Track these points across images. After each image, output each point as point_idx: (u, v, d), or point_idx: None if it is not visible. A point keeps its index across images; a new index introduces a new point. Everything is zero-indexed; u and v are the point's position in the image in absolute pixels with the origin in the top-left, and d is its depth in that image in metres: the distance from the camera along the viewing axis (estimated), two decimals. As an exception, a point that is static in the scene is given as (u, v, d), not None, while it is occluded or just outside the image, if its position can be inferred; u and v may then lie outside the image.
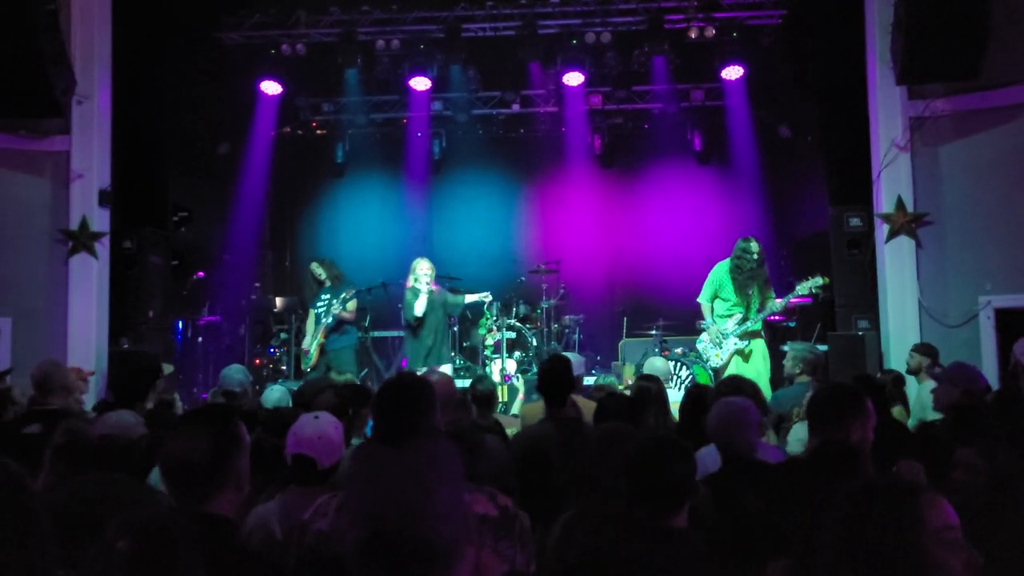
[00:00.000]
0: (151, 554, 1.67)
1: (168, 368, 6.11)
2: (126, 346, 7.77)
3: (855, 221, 7.71)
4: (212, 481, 2.02)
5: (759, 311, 6.99)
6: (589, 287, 11.08)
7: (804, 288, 6.87)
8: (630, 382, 7.60)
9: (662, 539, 2.26)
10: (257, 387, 7.32)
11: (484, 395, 4.84)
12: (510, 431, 4.55)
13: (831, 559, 1.60)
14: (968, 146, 7.13)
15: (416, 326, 7.69)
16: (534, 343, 9.54)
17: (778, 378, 6.88)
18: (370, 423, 3.94)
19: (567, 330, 10.08)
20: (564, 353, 6.41)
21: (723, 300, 7.21)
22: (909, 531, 1.53)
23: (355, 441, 3.81)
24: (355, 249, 10.99)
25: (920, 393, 5.55)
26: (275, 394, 4.88)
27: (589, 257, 11.35)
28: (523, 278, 10.37)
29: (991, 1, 6.43)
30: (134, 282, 8.10)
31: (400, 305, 8.20)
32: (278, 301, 11.15)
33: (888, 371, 6.00)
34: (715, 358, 7.15)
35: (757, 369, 6.89)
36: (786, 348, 6.03)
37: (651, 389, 4.38)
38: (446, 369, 7.49)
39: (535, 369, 9.18)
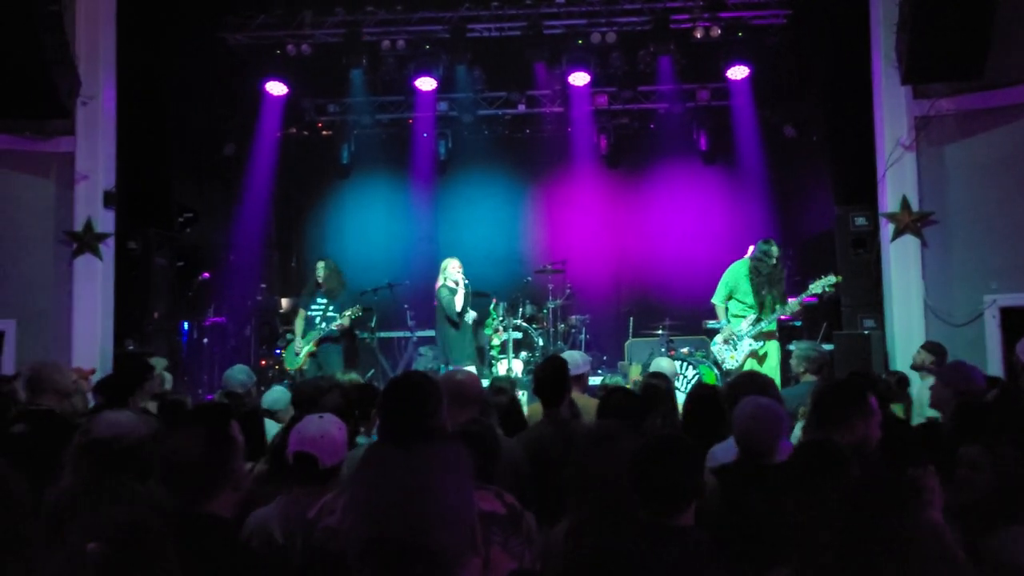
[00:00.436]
0: (122, 556, 1.65)
1: (162, 362, 6.11)
2: (131, 347, 7.77)
3: (860, 220, 7.69)
4: (208, 481, 2.01)
5: (773, 311, 6.95)
6: (595, 287, 11.07)
7: (817, 287, 6.86)
8: (636, 381, 7.61)
9: (668, 538, 2.25)
10: (262, 388, 7.33)
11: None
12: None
13: (829, 560, 1.59)
14: (973, 145, 7.11)
15: (459, 321, 7.77)
16: (540, 343, 9.53)
17: (787, 378, 6.87)
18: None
19: (573, 330, 10.07)
20: (568, 352, 6.43)
21: (738, 301, 7.19)
22: (903, 523, 1.53)
23: (360, 440, 3.81)
24: (361, 250, 11.01)
25: (921, 389, 5.53)
26: (273, 394, 4.88)
27: (595, 257, 11.33)
28: (529, 278, 10.36)
29: (995, 1, 6.40)
30: (139, 283, 8.11)
31: (429, 305, 8.32)
32: (284, 302, 11.16)
33: (893, 372, 5.98)
34: (730, 359, 7.12)
35: (771, 370, 6.86)
36: (792, 348, 6.03)
37: (660, 387, 4.37)
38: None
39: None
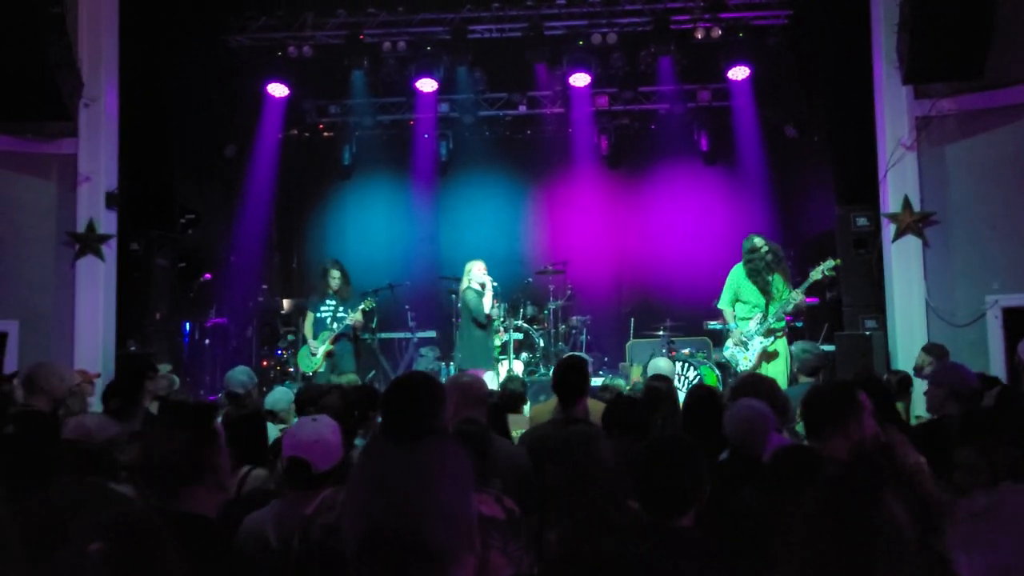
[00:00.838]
0: (124, 556, 1.65)
1: (166, 367, 6.12)
2: (133, 348, 7.79)
3: (862, 221, 7.68)
4: (187, 479, 2.01)
5: (784, 296, 6.90)
6: (596, 288, 11.07)
7: (817, 273, 6.81)
8: (637, 382, 7.61)
9: (669, 539, 2.26)
10: (264, 389, 7.34)
11: (516, 393, 5.02)
12: (517, 432, 4.54)
13: (801, 557, 1.60)
14: (974, 145, 7.10)
15: (486, 324, 7.78)
16: (541, 344, 9.53)
17: (794, 376, 6.86)
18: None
19: (574, 331, 10.07)
20: (567, 352, 6.44)
21: (743, 303, 7.17)
22: (871, 528, 1.54)
23: (359, 443, 3.80)
24: (362, 251, 11.01)
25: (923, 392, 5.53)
26: (275, 395, 4.88)
27: (596, 258, 11.34)
28: (530, 279, 10.37)
29: (996, 1, 6.40)
30: (141, 284, 8.12)
31: (459, 306, 8.33)
32: (285, 303, 11.18)
33: (895, 372, 5.97)
34: (744, 361, 7.09)
35: (779, 369, 6.85)
36: (792, 348, 6.03)
37: (662, 389, 4.38)
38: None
39: (542, 371, 9.19)
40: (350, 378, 6.47)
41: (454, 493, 1.38)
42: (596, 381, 7.22)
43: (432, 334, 10.46)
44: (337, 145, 12.09)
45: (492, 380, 7.62)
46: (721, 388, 6.89)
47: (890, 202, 7.34)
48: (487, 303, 7.78)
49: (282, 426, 4.45)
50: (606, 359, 10.18)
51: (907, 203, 7.25)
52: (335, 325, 8.15)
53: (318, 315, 8.29)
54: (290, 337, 10.25)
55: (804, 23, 9.35)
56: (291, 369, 9.97)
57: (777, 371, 6.73)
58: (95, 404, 5.20)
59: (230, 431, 3.55)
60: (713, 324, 8.93)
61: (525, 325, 9.59)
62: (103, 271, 7.69)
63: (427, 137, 11.96)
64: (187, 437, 2.04)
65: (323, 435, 2.74)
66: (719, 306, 7.41)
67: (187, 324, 9.37)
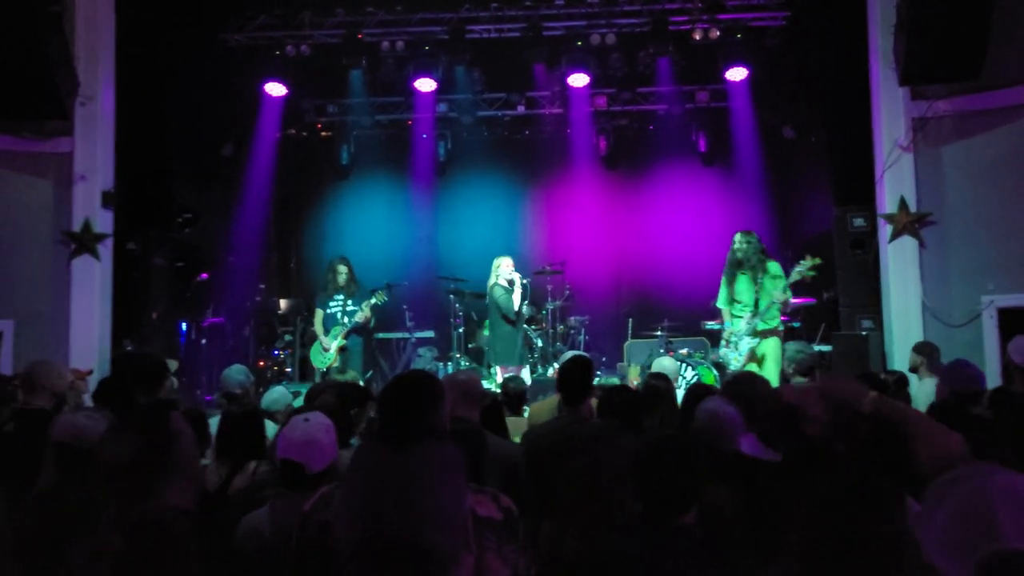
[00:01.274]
0: (143, 551, 1.66)
1: (173, 364, 6.11)
2: (129, 348, 7.78)
3: (859, 221, 7.69)
4: (149, 477, 2.02)
5: (771, 304, 6.88)
6: (594, 288, 11.07)
7: (796, 274, 6.78)
8: (635, 383, 7.61)
9: (670, 537, 2.26)
10: (261, 389, 7.33)
11: (518, 392, 5.03)
12: (517, 437, 4.54)
13: (811, 559, 1.60)
14: (970, 146, 7.11)
15: (515, 320, 7.78)
16: (539, 344, 9.53)
17: (786, 378, 6.85)
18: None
19: (572, 331, 10.07)
20: (566, 352, 6.46)
21: (736, 301, 7.20)
22: (882, 533, 1.54)
23: (354, 442, 3.80)
24: (360, 250, 10.96)
25: (919, 391, 5.54)
26: (273, 395, 4.87)
27: (594, 258, 11.34)
28: (528, 279, 10.35)
29: (992, 2, 6.41)
30: (138, 284, 8.12)
31: (477, 304, 8.36)
32: (283, 303, 11.17)
33: (892, 372, 5.99)
34: (734, 362, 7.11)
35: (769, 369, 6.84)
36: (786, 348, 6.03)
37: (660, 387, 4.38)
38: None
39: (540, 371, 9.18)
40: (351, 375, 6.48)
41: (450, 495, 1.39)
42: (595, 382, 7.23)
43: (430, 334, 10.45)
44: (335, 145, 12.09)
45: (526, 375, 7.64)
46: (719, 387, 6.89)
47: (887, 203, 7.35)
48: (516, 299, 7.77)
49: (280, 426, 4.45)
50: (604, 359, 10.18)
51: (903, 204, 7.26)
52: (346, 320, 8.17)
53: (328, 311, 8.30)
54: (287, 337, 10.23)
55: (802, 24, 9.37)
56: (288, 369, 9.97)
57: (767, 372, 6.72)
58: (87, 401, 5.20)
59: (230, 428, 3.58)
60: (711, 324, 8.94)
61: (523, 325, 9.58)
62: (99, 270, 7.68)
63: (425, 137, 11.96)
64: (140, 439, 2.05)
65: (314, 436, 2.75)
66: (717, 305, 7.43)
67: (184, 324, 9.35)
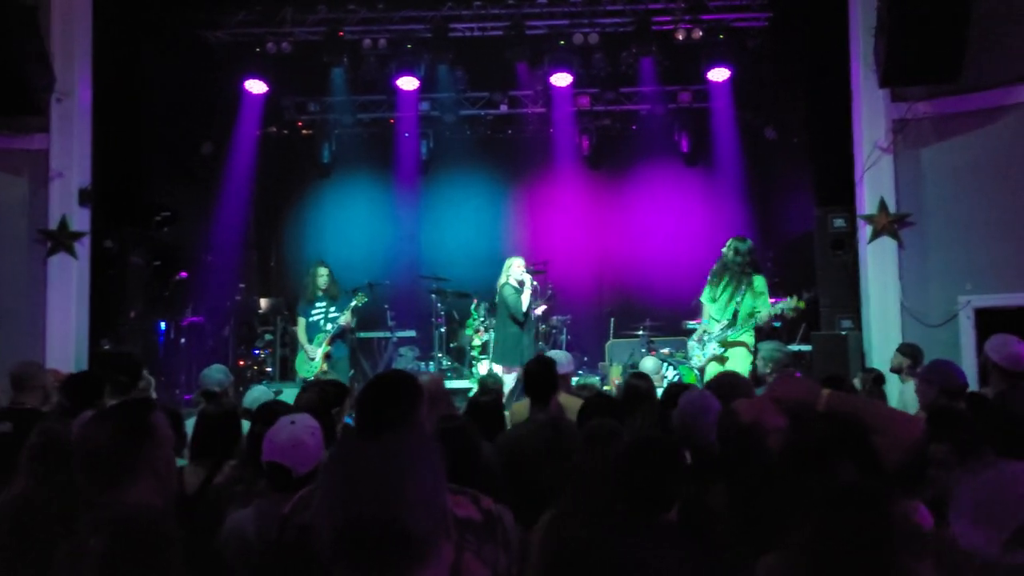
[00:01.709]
0: (125, 552, 1.64)
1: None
2: (106, 347, 7.69)
3: (839, 222, 7.74)
4: (119, 470, 2.01)
5: (748, 318, 6.85)
6: (577, 288, 11.08)
7: (777, 309, 6.79)
8: (617, 382, 7.62)
9: (652, 534, 2.26)
10: (241, 388, 7.27)
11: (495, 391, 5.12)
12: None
13: (805, 558, 1.60)
14: (949, 148, 7.18)
15: (524, 321, 7.76)
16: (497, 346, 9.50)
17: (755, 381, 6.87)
18: (346, 419, 3.92)
19: (554, 331, 10.06)
20: (552, 351, 6.46)
21: (715, 301, 7.20)
22: (878, 536, 1.54)
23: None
24: (341, 250, 10.94)
25: (902, 393, 5.58)
26: (255, 394, 4.84)
27: (577, 258, 11.35)
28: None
29: (971, 5, 6.47)
30: (115, 283, 8.01)
31: (471, 305, 8.30)
32: (263, 302, 11.09)
33: (869, 370, 6.03)
34: (696, 359, 7.14)
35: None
36: (761, 349, 6.03)
37: (641, 387, 4.39)
38: None
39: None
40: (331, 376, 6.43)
41: (429, 481, 1.38)
42: (574, 381, 7.22)
43: (412, 334, 10.42)
44: (316, 143, 12.01)
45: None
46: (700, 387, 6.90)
47: (866, 204, 7.40)
48: (525, 300, 7.76)
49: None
50: (586, 359, 10.19)
51: (883, 205, 7.31)
52: (329, 326, 8.11)
53: (310, 319, 8.23)
54: (268, 337, 10.16)
55: (784, 26, 9.42)
56: (268, 369, 9.90)
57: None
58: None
59: (206, 428, 3.54)
60: (692, 324, 8.94)
61: (532, 327, 9.55)
62: (76, 269, 7.57)
63: (407, 136, 11.92)
64: (115, 432, 2.05)
65: (300, 439, 2.74)
66: (700, 299, 7.44)
67: (163, 323, 9.27)
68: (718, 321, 7.06)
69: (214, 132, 10.62)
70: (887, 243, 7.30)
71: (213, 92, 10.35)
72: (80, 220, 7.65)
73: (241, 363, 10.15)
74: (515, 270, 7.86)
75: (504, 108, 11.51)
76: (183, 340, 9.53)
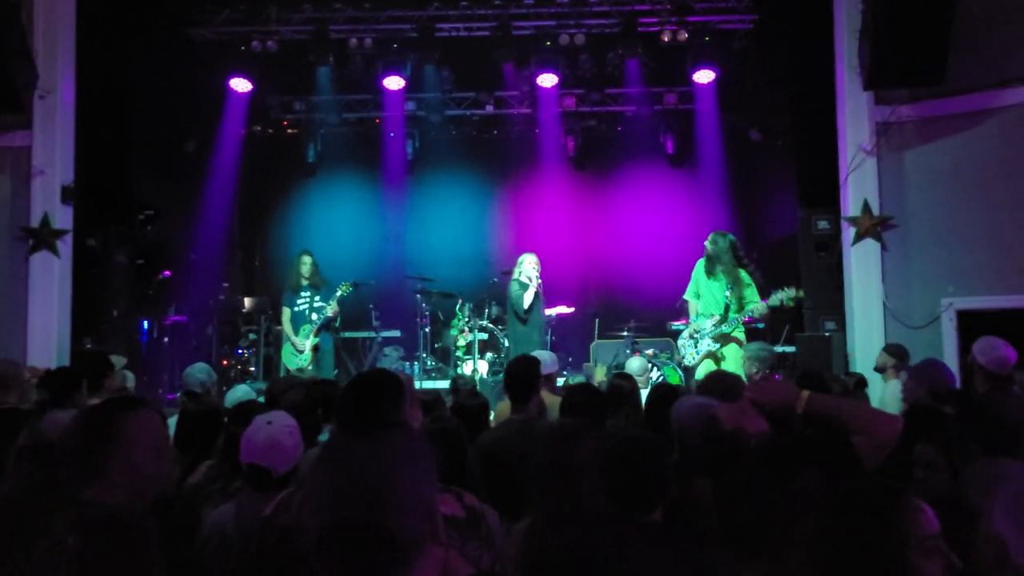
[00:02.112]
0: (101, 550, 1.62)
1: (121, 360, 5.99)
2: (89, 346, 7.62)
3: (823, 224, 7.78)
4: (84, 468, 2.02)
5: (738, 312, 6.93)
6: (561, 288, 11.06)
7: (775, 299, 6.86)
8: (601, 382, 7.63)
9: (637, 534, 2.25)
10: (224, 388, 7.22)
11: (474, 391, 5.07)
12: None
13: (807, 560, 1.60)
14: (932, 151, 7.23)
15: (525, 318, 7.73)
16: (506, 344, 9.51)
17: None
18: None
19: (539, 331, 10.06)
20: (537, 351, 6.45)
21: (705, 299, 7.25)
22: (887, 538, 1.53)
23: (323, 439, 3.75)
24: (326, 249, 10.83)
25: (884, 392, 5.62)
26: (237, 393, 4.81)
27: (562, 259, 11.33)
28: (496, 279, 10.32)
29: (955, 9, 6.53)
30: (98, 281, 7.93)
31: (482, 299, 8.51)
32: (247, 301, 11.03)
33: (851, 374, 6.07)
34: (689, 357, 7.16)
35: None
36: (746, 350, 6.08)
37: (624, 387, 4.40)
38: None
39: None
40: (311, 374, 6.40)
41: (417, 481, 1.37)
42: (560, 381, 7.23)
43: (397, 333, 10.39)
44: (301, 142, 11.97)
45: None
46: (684, 387, 6.94)
47: (850, 206, 7.44)
48: (527, 298, 7.76)
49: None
50: (570, 359, 10.20)
51: (867, 207, 7.36)
52: (315, 316, 8.07)
53: (295, 309, 8.20)
54: (252, 336, 10.10)
55: (769, 28, 9.46)
56: (252, 368, 9.84)
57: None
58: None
59: (187, 427, 3.52)
60: (677, 325, 8.99)
61: (490, 325, 9.57)
62: (58, 267, 7.49)
63: (393, 136, 11.90)
64: (81, 430, 2.06)
65: (278, 439, 2.74)
66: (684, 296, 7.48)
67: (146, 322, 9.19)
68: (708, 316, 7.10)
69: (198, 130, 10.57)
70: (871, 245, 7.34)
71: (198, 90, 10.29)
72: (63, 218, 7.57)
73: (225, 362, 10.10)
74: (526, 267, 7.91)
75: (490, 108, 11.51)
76: (166, 339, 9.46)
